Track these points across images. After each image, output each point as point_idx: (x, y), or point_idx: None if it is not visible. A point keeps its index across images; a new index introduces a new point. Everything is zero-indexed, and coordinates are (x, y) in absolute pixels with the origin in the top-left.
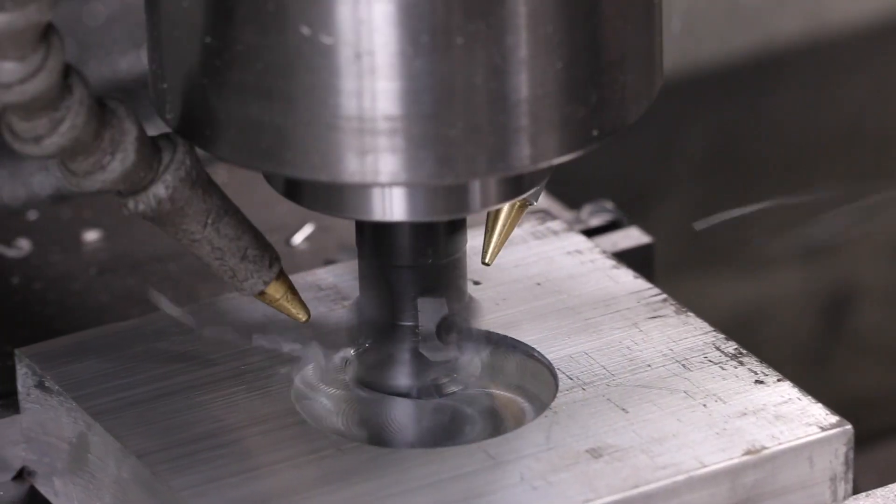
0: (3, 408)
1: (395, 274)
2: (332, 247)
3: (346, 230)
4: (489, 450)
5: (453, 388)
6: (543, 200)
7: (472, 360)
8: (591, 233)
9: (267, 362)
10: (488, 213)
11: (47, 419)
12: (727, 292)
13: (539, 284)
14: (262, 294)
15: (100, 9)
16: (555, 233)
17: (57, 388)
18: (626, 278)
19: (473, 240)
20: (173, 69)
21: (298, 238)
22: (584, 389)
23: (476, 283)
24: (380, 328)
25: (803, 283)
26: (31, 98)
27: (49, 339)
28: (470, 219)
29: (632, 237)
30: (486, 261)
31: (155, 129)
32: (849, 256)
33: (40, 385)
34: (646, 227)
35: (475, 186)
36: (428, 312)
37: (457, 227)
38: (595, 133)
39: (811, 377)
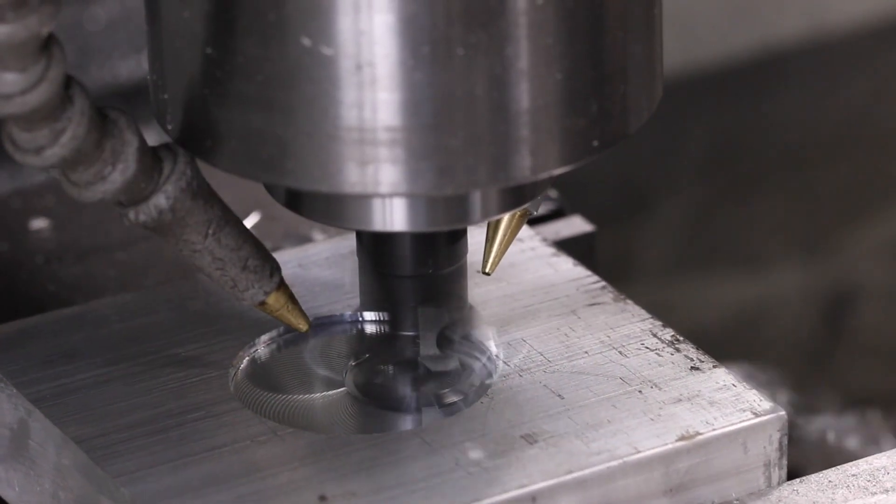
0: None
1: (395, 284)
2: (278, 234)
3: (291, 219)
4: (425, 436)
5: (454, 398)
6: None
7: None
8: (534, 221)
9: (205, 349)
10: (489, 223)
11: None
12: (727, 292)
13: (479, 272)
14: (262, 304)
15: (100, 13)
16: None
17: None
18: (566, 266)
19: (474, 250)
20: (174, 80)
21: (247, 225)
22: (521, 376)
23: None
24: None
25: (803, 283)
26: (32, 109)
27: None
28: (470, 227)
29: (574, 226)
30: (487, 270)
31: (156, 134)
32: (849, 256)
33: None
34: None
35: (475, 197)
36: (428, 322)
37: (457, 237)
38: (596, 144)
39: (811, 377)
